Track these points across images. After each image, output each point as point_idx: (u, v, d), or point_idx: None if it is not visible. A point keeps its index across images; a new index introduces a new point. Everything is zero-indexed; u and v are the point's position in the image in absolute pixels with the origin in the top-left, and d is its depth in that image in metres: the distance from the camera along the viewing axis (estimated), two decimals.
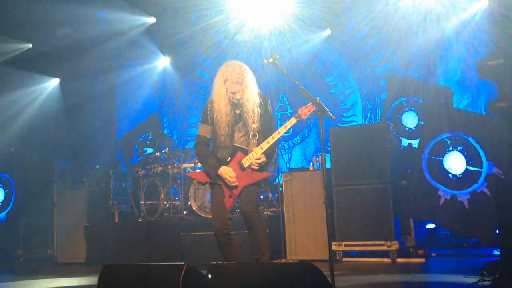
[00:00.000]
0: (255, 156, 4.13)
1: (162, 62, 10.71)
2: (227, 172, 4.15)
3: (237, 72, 4.18)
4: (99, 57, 9.84)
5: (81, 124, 10.28)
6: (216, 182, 4.22)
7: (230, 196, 4.16)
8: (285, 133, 4.31)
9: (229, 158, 4.21)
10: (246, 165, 4.15)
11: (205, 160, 4.29)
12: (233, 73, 4.18)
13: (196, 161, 7.61)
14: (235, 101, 4.20)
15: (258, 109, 4.22)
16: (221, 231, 4.12)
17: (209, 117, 4.29)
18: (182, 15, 9.47)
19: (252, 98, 4.20)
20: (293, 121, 4.19)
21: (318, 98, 4.08)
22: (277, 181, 7.69)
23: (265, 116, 4.27)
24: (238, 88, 4.17)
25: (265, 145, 4.14)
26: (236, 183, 4.14)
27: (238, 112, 4.25)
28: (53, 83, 10.48)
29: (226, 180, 4.15)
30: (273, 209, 7.27)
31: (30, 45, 9.29)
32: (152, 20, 9.58)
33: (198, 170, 4.60)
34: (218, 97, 4.22)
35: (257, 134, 4.21)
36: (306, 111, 4.13)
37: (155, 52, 10.46)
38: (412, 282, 4.75)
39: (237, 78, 4.16)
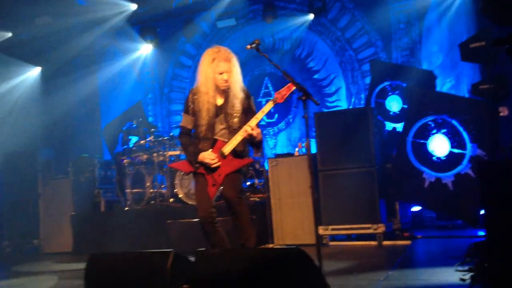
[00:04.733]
0: (234, 143, 4.12)
1: (145, 49, 10.61)
2: (206, 156, 4.14)
3: (224, 52, 4.19)
4: (80, 45, 9.73)
5: (64, 113, 10.16)
6: (198, 171, 4.21)
7: (213, 185, 4.14)
8: (270, 119, 4.29)
9: (210, 149, 4.18)
10: (226, 153, 4.14)
11: (187, 149, 4.29)
12: (221, 52, 4.19)
13: (181, 149, 7.60)
14: (222, 84, 4.16)
15: (240, 103, 4.21)
16: (206, 220, 4.11)
17: (190, 108, 4.27)
18: (163, 1, 9.38)
19: (236, 88, 4.18)
20: (269, 105, 4.16)
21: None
22: (263, 167, 7.69)
23: (247, 111, 4.24)
24: (226, 68, 4.14)
25: (243, 132, 4.12)
26: (218, 164, 4.12)
27: (220, 104, 4.22)
28: (35, 72, 10.35)
29: (207, 163, 4.13)
30: (259, 195, 7.27)
31: (10, 34, 9.16)
32: (133, 6, 9.49)
33: (181, 160, 4.56)
34: (205, 78, 4.18)
35: (237, 128, 4.18)
36: (283, 93, 4.10)
37: (137, 39, 10.36)
38: (398, 264, 4.80)
39: (225, 56, 4.15)
